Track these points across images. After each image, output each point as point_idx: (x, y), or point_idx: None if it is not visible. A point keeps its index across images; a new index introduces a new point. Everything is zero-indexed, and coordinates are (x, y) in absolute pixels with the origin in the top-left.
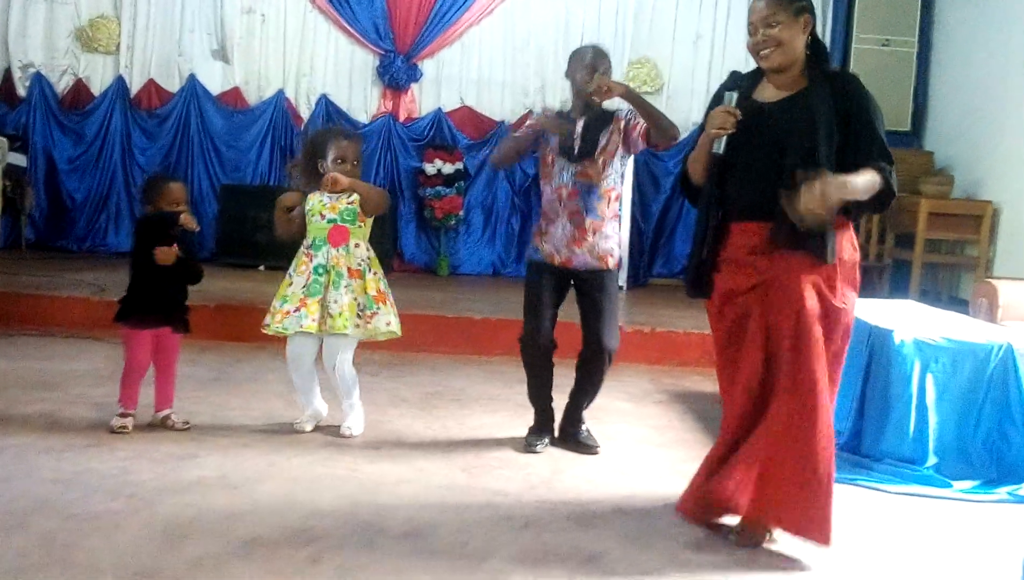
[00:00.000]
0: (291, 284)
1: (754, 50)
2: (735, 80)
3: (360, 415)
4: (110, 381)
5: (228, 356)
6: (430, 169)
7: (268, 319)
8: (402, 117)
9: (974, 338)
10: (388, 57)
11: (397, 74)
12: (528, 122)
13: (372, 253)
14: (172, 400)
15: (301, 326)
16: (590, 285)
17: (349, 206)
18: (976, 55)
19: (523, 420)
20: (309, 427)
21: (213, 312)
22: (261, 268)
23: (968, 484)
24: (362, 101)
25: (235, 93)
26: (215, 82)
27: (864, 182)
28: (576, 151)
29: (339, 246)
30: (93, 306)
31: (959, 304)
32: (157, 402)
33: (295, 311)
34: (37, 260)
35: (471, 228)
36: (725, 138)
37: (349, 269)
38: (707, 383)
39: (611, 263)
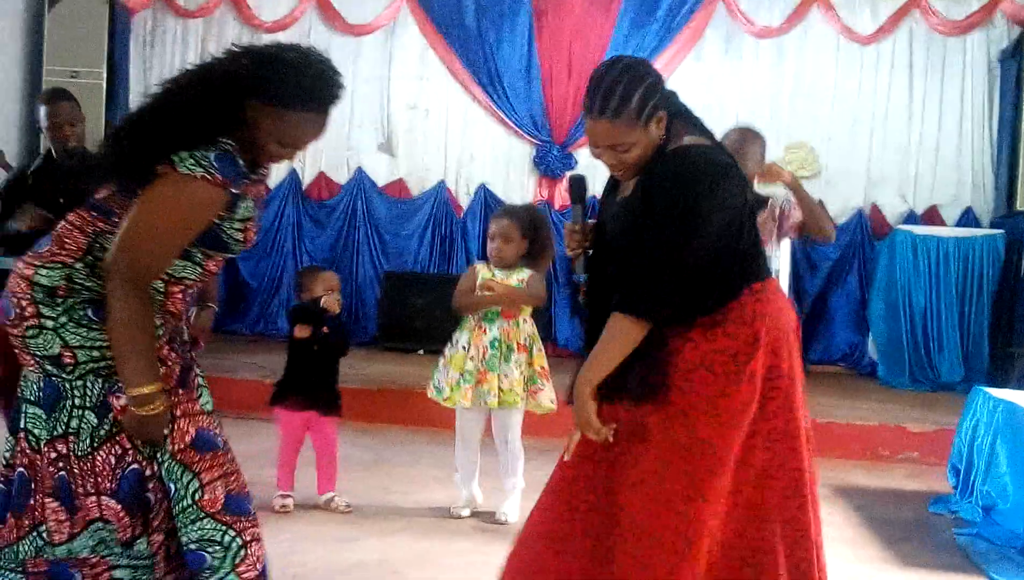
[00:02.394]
0: (471, 358)
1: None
2: (578, 187)
3: (518, 500)
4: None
5: (387, 439)
6: None
7: (447, 392)
8: (557, 204)
9: None
10: (544, 147)
11: (553, 163)
12: None
13: (535, 330)
14: (334, 482)
15: (485, 403)
16: None
17: (519, 283)
18: None
19: None
20: (465, 513)
21: (374, 395)
22: (420, 352)
23: None
24: (519, 190)
25: (399, 184)
26: (381, 174)
27: (603, 358)
28: None
29: (511, 320)
30: (264, 389)
31: None
32: (320, 484)
33: (476, 385)
34: (213, 343)
35: None
36: (582, 260)
37: (518, 343)
38: (871, 478)
39: None
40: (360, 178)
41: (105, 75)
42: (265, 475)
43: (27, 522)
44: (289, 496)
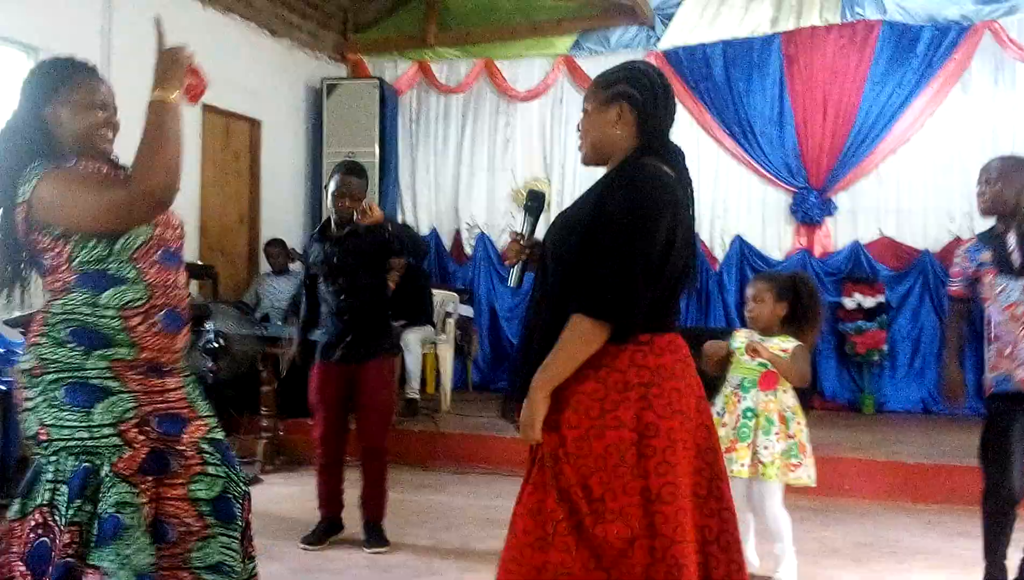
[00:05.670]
0: (724, 424)
1: None
2: (536, 202)
3: (793, 563)
4: None
5: None
6: (849, 303)
7: None
8: (817, 252)
9: None
10: (801, 194)
11: (811, 210)
12: None
13: (797, 401)
14: None
15: (732, 472)
16: None
17: (783, 354)
18: None
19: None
20: None
21: None
22: None
23: None
24: (776, 239)
25: None
26: None
27: (560, 360)
28: (1020, 264)
29: (768, 391)
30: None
31: None
32: None
33: (725, 453)
34: (481, 400)
35: (897, 363)
36: (518, 271)
37: (779, 414)
38: None
39: None
40: None
41: (377, 152)
42: None
43: None
44: None
